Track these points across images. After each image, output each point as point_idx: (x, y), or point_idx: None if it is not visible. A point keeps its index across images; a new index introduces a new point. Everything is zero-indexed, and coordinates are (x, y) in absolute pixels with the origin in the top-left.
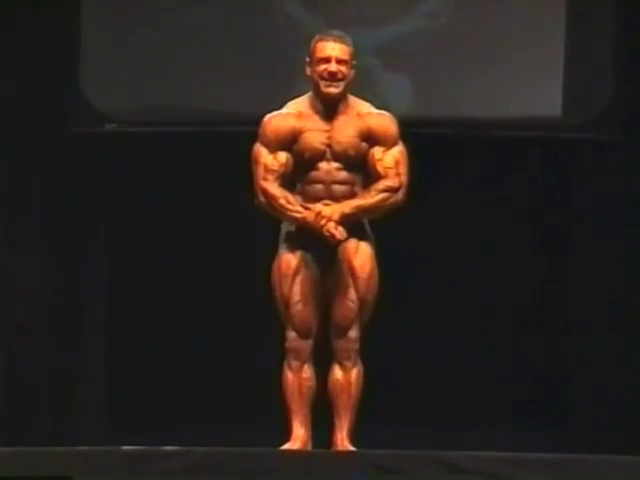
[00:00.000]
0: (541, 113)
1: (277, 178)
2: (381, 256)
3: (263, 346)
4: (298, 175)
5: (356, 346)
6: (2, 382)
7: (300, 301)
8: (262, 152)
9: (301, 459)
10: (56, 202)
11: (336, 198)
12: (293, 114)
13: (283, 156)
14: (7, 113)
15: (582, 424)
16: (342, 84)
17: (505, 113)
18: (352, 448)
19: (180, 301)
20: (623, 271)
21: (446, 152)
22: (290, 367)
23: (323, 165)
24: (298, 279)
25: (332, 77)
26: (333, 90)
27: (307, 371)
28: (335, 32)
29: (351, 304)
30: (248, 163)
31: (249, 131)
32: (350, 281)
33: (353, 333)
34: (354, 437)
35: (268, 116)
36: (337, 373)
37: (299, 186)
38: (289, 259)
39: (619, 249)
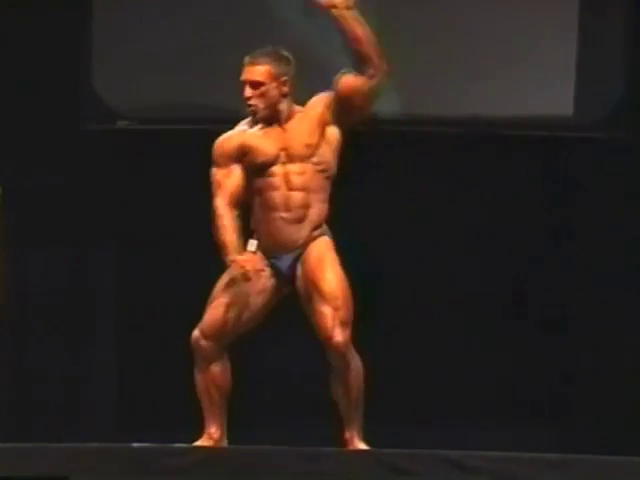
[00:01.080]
0: (553, 112)
1: (230, 196)
2: (386, 257)
3: (270, 344)
4: (255, 184)
5: (344, 350)
6: (11, 382)
7: (225, 306)
8: (215, 172)
9: (309, 458)
10: (67, 199)
11: (291, 208)
12: (241, 130)
13: (236, 174)
14: (19, 110)
15: (587, 424)
16: (261, 108)
17: (517, 112)
18: (363, 446)
19: (189, 299)
20: (632, 271)
21: (457, 151)
22: (198, 367)
23: (278, 169)
24: (238, 287)
25: (247, 101)
26: (255, 115)
27: (213, 371)
28: (257, 52)
29: (323, 310)
30: None
31: None
32: (313, 287)
33: (338, 338)
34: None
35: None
36: (335, 379)
37: (257, 198)
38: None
39: (629, 248)
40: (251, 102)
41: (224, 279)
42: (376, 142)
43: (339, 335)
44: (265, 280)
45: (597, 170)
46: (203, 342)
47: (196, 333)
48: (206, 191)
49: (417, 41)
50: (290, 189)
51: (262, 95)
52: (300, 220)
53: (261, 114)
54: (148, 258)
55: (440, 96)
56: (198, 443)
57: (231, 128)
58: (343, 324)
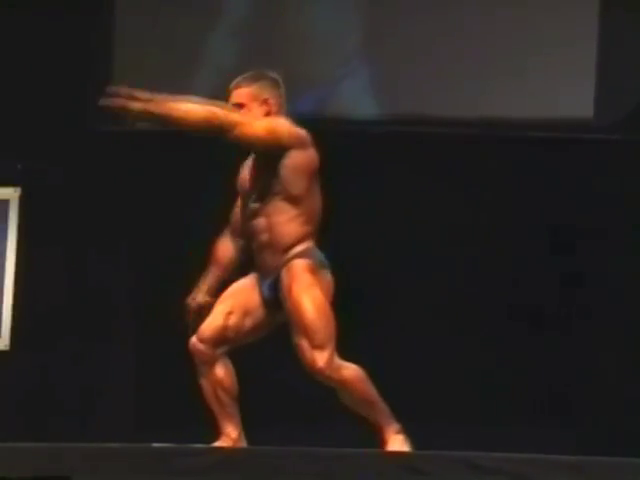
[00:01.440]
0: (573, 114)
1: (231, 226)
2: (401, 256)
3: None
4: None
5: (329, 372)
6: (30, 383)
7: (225, 313)
8: None
9: (327, 459)
10: (82, 200)
11: (256, 234)
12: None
13: (237, 204)
14: (32, 111)
15: (604, 426)
16: None
17: (537, 114)
18: (397, 445)
19: None
20: None
21: (478, 152)
22: (200, 372)
23: (246, 198)
24: (238, 297)
25: None
26: None
27: (217, 374)
28: (242, 76)
29: (297, 340)
30: None
31: None
32: (288, 318)
33: (319, 364)
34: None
35: None
36: (339, 394)
37: None
38: (244, 279)
39: None
40: None
41: (231, 287)
42: (393, 144)
43: (319, 361)
44: (260, 297)
45: (617, 172)
46: (200, 346)
47: (193, 339)
48: (221, 193)
49: (435, 42)
50: (253, 216)
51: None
52: (266, 246)
53: None
54: (164, 259)
55: (457, 98)
56: (217, 444)
57: None
58: (320, 347)
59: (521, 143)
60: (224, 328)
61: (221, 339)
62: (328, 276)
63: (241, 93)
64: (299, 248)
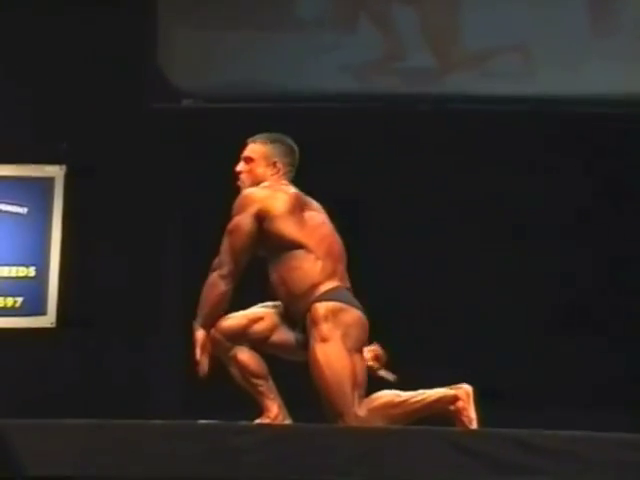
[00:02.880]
0: (631, 90)
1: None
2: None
3: None
4: None
5: (360, 422)
6: (76, 361)
7: (255, 316)
8: None
9: (373, 435)
10: (132, 178)
11: (272, 289)
12: None
13: None
14: (86, 90)
15: None
16: (246, 184)
17: (596, 90)
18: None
19: (253, 285)
20: None
21: (535, 129)
22: (225, 361)
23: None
24: (279, 310)
25: (238, 175)
26: (239, 190)
27: (240, 360)
28: (262, 134)
29: (323, 402)
30: (325, 140)
31: (326, 107)
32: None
33: (349, 417)
34: None
35: None
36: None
37: None
38: None
39: None
40: (240, 176)
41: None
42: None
43: (346, 423)
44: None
45: None
46: (218, 336)
47: (213, 330)
48: None
49: (499, 18)
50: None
51: (250, 172)
52: (286, 298)
53: (245, 189)
54: (215, 240)
55: (519, 75)
56: (258, 421)
57: (295, 106)
58: (340, 415)
59: (580, 119)
60: (245, 328)
61: (238, 337)
62: (352, 313)
63: (254, 149)
64: (318, 291)
